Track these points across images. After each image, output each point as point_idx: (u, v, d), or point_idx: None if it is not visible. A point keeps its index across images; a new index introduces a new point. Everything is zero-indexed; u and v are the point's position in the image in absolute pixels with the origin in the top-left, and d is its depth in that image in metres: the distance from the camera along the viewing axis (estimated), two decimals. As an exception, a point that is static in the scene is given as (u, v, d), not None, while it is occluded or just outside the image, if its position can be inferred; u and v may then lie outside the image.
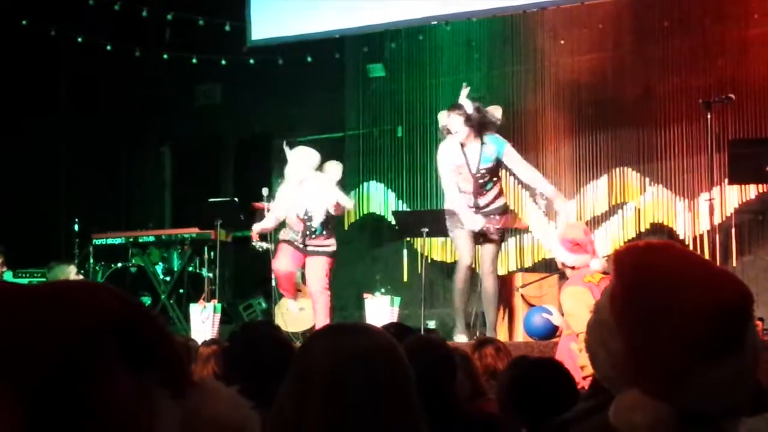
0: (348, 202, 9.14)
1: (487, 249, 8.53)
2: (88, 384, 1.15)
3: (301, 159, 8.97)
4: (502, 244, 11.19)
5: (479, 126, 8.37)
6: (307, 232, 8.91)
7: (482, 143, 8.40)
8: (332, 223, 9.10)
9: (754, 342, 1.64)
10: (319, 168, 9.01)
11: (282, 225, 9.24)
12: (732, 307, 1.59)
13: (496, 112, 8.65)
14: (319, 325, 8.73)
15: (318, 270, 8.96)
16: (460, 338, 8.34)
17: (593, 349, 1.71)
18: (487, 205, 8.47)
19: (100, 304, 1.20)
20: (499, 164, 8.55)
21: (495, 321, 8.44)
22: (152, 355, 1.20)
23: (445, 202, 8.74)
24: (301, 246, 8.98)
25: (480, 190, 8.43)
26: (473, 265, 8.59)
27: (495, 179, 8.56)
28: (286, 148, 9.11)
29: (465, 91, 8.52)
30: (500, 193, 8.64)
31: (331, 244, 9.03)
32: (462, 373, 4.43)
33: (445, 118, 8.52)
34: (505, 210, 8.66)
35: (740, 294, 1.61)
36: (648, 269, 1.65)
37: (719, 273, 1.70)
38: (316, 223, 8.89)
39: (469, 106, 8.39)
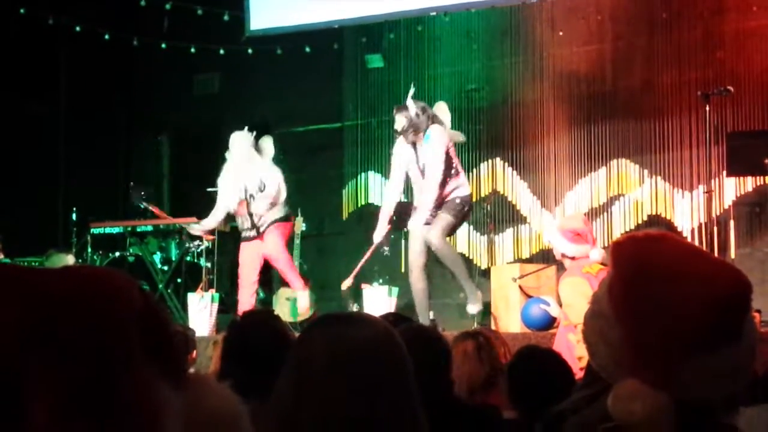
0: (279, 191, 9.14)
1: (434, 229, 8.32)
2: (120, 373, 1.14)
3: (239, 141, 9.15)
4: (501, 235, 11.26)
5: (419, 127, 8.34)
6: (252, 211, 9.02)
7: (416, 142, 8.39)
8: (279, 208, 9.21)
9: (752, 332, 1.65)
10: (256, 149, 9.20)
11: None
12: (730, 296, 1.59)
13: (439, 111, 8.61)
14: (294, 286, 9.16)
15: (273, 236, 9.04)
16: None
17: (591, 340, 1.72)
18: (444, 201, 8.35)
19: (127, 294, 1.20)
20: (435, 166, 8.33)
21: (467, 278, 8.50)
22: (159, 346, 1.20)
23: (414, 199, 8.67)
24: (254, 233, 9.08)
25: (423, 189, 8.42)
26: (422, 264, 8.46)
27: (446, 173, 8.35)
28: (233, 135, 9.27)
29: (411, 92, 8.52)
30: (459, 188, 8.39)
31: (280, 210, 9.12)
32: (475, 361, 4.44)
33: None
34: (465, 200, 8.45)
35: (739, 284, 1.62)
36: (646, 260, 1.65)
37: (718, 263, 1.71)
38: (259, 202, 9.03)
39: (412, 108, 8.38)
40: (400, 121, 8.40)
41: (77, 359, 1.13)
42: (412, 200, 8.74)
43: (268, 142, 9.32)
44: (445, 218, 8.30)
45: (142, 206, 10.93)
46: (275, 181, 9.08)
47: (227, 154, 9.29)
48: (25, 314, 1.13)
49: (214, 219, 9.43)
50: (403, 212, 9.40)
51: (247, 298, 9.08)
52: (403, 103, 8.52)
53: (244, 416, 1.41)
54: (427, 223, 8.27)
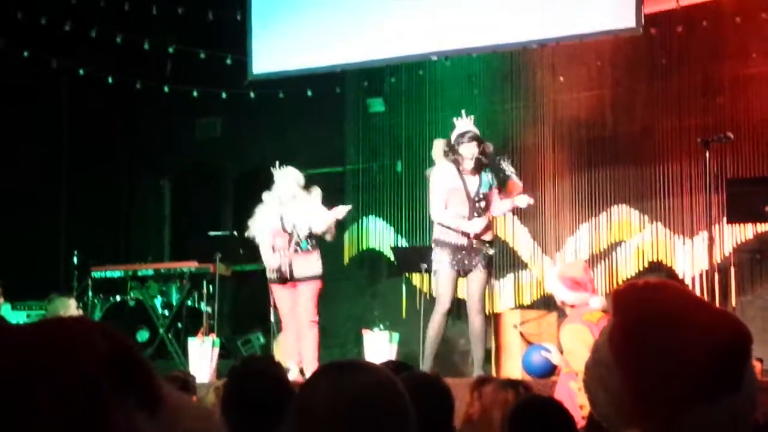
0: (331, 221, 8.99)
1: (475, 284, 8.31)
2: (88, 418, 1.18)
3: (290, 177, 8.98)
4: (501, 281, 11.25)
5: (486, 161, 8.38)
6: (293, 246, 8.84)
7: (482, 171, 8.38)
8: (316, 240, 8.97)
9: (752, 382, 1.65)
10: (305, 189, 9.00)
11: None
12: (731, 345, 1.60)
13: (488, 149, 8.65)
14: (308, 363, 8.66)
15: (307, 296, 8.83)
16: None
17: (592, 388, 1.72)
18: (478, 235, 8.31)
19: (90, 338, 1.23)
20: (491, 195, 8.44)
21: (482, 359, 8.35)
22: (132, 380, 1.24)
23: (434, 230, 8.51)
24: (288, 273, 8.87)
25: (476, 216, 8.29)
26: (452, 309, 8.39)
27: (487, 210, 8.41)
28: (275, 170, 9.09)
29: (470, 119, 8.50)
30: (489, 227, 8.44)
31: (317, 263, 8.90)
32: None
33: (465, 144, 8.41)
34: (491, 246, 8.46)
35: (739, 333, 1.62)
36: (647, 308, 1.65)
37: (718, 312, 1.71)
38: (301, 235, 8.83)
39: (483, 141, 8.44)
40: (470, 148, 8.28)
41: (48, 403, 1.17)
42: (420, 243, 8.69)
43: (318, 191, 9.03)
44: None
45: None
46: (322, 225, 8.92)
47: (266, 194, 9.08)
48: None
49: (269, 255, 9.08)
50: (408, 257, 9.40)
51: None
52: (476, 134, 8.43)
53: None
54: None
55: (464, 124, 8.46)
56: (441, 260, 8.29)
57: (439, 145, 8.59)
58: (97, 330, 1.25)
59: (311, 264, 8.87)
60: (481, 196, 8.33)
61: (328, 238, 9.02)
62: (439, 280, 8.34)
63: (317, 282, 8.90)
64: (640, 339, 1.62)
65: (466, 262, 8.27)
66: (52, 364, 1.19)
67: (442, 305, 8.22)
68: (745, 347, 1.62)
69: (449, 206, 8.34)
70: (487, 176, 8.38)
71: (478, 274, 8.29)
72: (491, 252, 8.37)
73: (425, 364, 8.23)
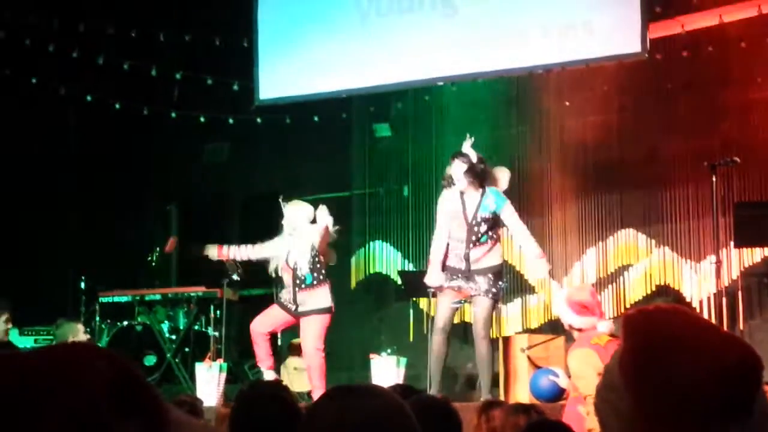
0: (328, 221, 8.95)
1: (477, 309, 8.32)
2: None
3: (295, 211, 8.99)
4: (508, 305, 11.24)
5: (480, 176, 8.36)
6: (297, 281, 8.84)
7: (483, 193, 8.37)
8: (322, 272, 8.92)
9: (763, 408, 1.65)
10: (313, 221, 8.97)
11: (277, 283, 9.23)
12: (740, 369, 1.60)
13: (500, 173, 8.65)
14: (315, 389, 8.70)
15: (313, 329, 8.81)
16: None
17: (603, 413, 1.72)
18: (478, 260, 8.30)
19: (94, 367, 1.25)
20: (497, 220, 8.39)
21: (490, 384, 8.35)
22: (137, 405, 1.25)
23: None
24: (293, 307, 8.84)
25: (474, 239, 8.30)
26: (449, 328, 8.40)
27: (491, 234, 8.37)
28: (282, 204, 9.11)
29: (469, 142, 8.52)
30: (494, 252, 8.39)
31: (325, 298, 8.86)
32: None
33: (450, 166, 8.48)
34: (496, 271, 8.39)
35: (748, 357, 1.62)
36: (657, 332, 1.66)
37: (728, 337, 1.71)
38: (303, 270, 8.82)
39: (473, 155, 8.41)
40: (459, 167, 8.32)
41: (51, 427, 1.19)
42: (427, 268, 8.66)
43: (324, 211, 8.97)
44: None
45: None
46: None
47: (283, 221, 9.02)
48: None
49: (248, 250, 9.18)
50: (415, 281, 9.38)
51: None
52: (458, 151, 8.49)
53: None
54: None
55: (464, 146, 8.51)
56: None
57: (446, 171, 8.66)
58: (102, 355, 1.27)
59: (316, 298, 8.83)
60: (479, 219, 8.31)
61: (328, 259, 9.02)
62: (438, 300, 8.49)
63: (324, 316, 8.86)
64: (650, 363, 1.63)
65: (463, 285, 8.29)
66: (55, 388, 1.21)
67: (436, 323, 8.37)
68: (755, 372, 1.62)
69: (451, 230, 8.37)
70: (489, 199, 8.35)
71: (480, 299, 8.30)
72: (494, 280, 8.32)
73: (432, 387, 8.24)
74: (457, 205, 8.34)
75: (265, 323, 8.96)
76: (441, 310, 8.38)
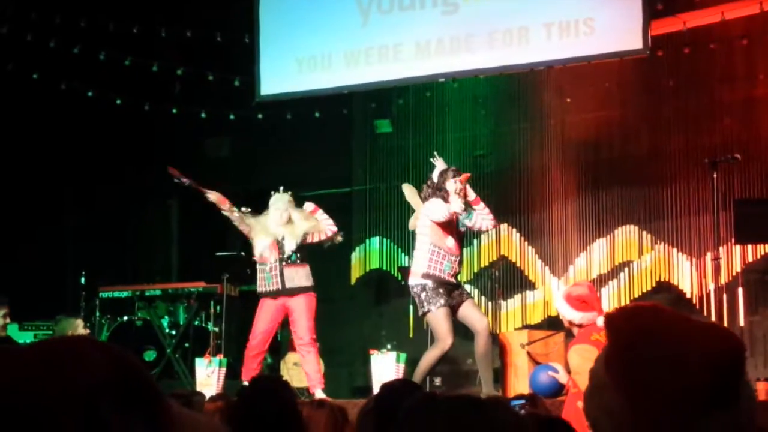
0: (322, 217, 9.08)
1: (469, 309, 8.24)
2: None
3: (280, 198, 9.03)
4: (508, 302, 11.26)
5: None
6: (283, 258, 8.85)
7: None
8: (305, 253, 8.97)
9: (749, 398, 1.65)
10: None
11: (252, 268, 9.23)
12: (723, 355, 1.61)
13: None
14: (313, 384, 8.67)
15: (306, 310, 8.80)
16: None
17: (593, 414, 1.72)
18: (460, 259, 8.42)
19: (91, 362, 1.24)
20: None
21: (491, 379, 8.31)
22: (138, 399, 1.25)
23: (421, 264, 8.28)
24: (280, 286, 8.83)
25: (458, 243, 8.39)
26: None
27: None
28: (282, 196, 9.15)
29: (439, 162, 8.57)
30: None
31: (308, 277, 8.89)
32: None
33: (450, 180, 8.45)
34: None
35: (731, 344, 1.63)
36: (638, 328, 1.67)
37: (709, 326, 1.72)
38: (290, 248, 8.85)
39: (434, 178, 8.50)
40: (455, 186, 8.38)
41: (47, 422, 1.18)
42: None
43: (309, 205, 9.19)
44: None
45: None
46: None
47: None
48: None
49: (239, 216, 9.24)
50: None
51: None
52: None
53: None
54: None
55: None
56: (436, 300, 8.12)
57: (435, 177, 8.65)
58: (100, 350, 1.26)
59: (302, 276, 8.88)
60: (462, 230, 8.45)
61: (321, 237, 9.02)
62: (438, 319, 8.11)
63: (312, 296, 8.87)
64: (635, 359, 1.64)
65: (455, 294, 8.26)
66: (51, 382, 1.20)
67: (445, 342, 8.02)
68: (738, 358, 1.63)
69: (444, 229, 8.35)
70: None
71: (468, 300, 8.33)
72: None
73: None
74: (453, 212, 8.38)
75: (265, 323, 8.94)
76: (448, 327, 8.07)
